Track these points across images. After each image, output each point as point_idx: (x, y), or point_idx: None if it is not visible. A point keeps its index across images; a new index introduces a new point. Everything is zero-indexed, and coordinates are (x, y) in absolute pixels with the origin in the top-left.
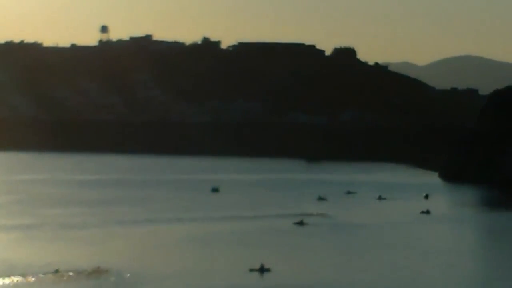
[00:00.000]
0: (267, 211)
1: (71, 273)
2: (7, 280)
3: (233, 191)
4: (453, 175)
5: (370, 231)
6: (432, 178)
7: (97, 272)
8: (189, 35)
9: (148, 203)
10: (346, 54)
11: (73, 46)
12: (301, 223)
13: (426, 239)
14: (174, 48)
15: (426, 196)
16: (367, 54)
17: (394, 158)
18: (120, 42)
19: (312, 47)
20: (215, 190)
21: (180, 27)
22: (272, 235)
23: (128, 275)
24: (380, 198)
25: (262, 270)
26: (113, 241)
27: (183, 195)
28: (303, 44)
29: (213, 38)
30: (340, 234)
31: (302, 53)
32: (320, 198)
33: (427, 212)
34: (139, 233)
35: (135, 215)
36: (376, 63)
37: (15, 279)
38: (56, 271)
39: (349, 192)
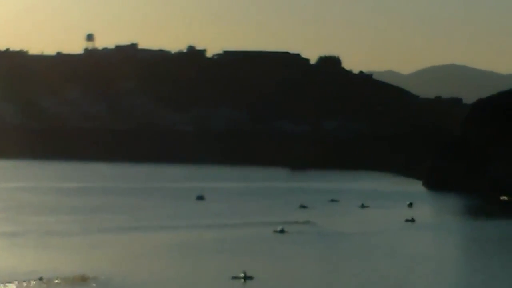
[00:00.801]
0: (250, 219)
1: (55, 281)
2: None
3: (218, 199)
4: (437, 183)
5: (354, 239)
6: (416, 186)
7: (81, 280)
8: (174, 43)
9: (133, 211)
10: (331, 63)
11: (59, 54)
12: (281, 231)
13: (411, 247)
14: (160, 56)
15: (410, 204)
16: (352, 63)
17: (378, 166)
18: (105, 50)
19: (297, 55)
20: (200, 198)
21: (165, 35)
22: (253, 243)
23: (113, 282)
24: (362, 206)
25: (245, 277)
26: (97, 249)
27: (168, 203)
28: (288, 53)
29: (199, 46)
30: (322, 242)
31: (287, 61)
32: (302, 206)
33: (412, 220)
34: (124, 240)
35: (120, 223)
36: (361, 72)
37: None
38: (40, 278)
39: (332, 200)
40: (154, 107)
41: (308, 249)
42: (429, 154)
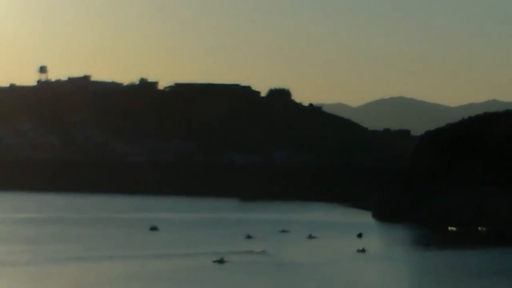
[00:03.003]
0: (198, 249)
1: None
2: None
3: (171, 230)
4: (386, 214)
5: (302, 269)
6: (365, 218)
7: None
8: (126, 75)
9: (85, 241)
10: (281, 95)
11: (12, 86)
12: (221, 261)
13: (365, 277)
14: (112, 88)
15: (360, 235)
16: (302, 95)
17: (328, 197)
18: (58, 82)
19: (248, 88)
20: (153, 228)
21: (117, 67)
22: (193, 273)
23: None
24: (310, 236)
25: None
26: (49, 279)
27: (121, 233)
28: (238, 85)
29: (150, 78)
30: (266, 272)
31: (238, 93)
32: (248, 237)
33: (363, 250)
34: (75, 271)
35: (72, 253)
36: (311, 104)
37: None
38: None
39: (283, 231)
40: (106, 138)
41: (246, 278)
42: (378, 186)
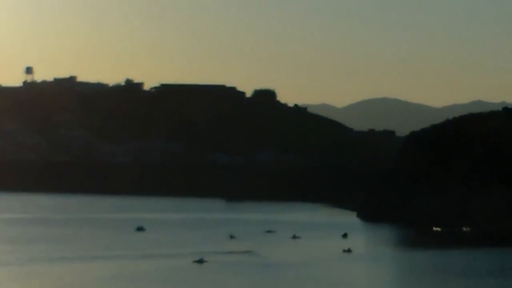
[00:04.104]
0: (182, 250)
1: None
2: None
3: (157, 230)
4: (370, 214)
5: (289, 269)
6: (350, 218)
7: None
8: (112, 76)
9: (71, 241)
10: (266, 96)
11: None
12: (200, 261)
13: (351, 278)
14: (98, 89)
15: (345, 235)
16: (287, 96)
17: (313, 198)
18: (44, 83)
19: (233, 88)
20: (140, 229)
21: (103, 68)
22: (171, 273)
23: None
24: (294, 237)
25: None
26: (33, 279)
27: (107, 233)
28: (224, 86)
29: (136, 79)
30: (247, 272)
31: (223, 94)
32: (232, 237)
33: (349, 250)
34: (60, 271)
35: (57, 253)
36: (296, 105)
37: None
38: None
39: (268, 231)
40: (92, 139)
41: (223, 278)
42: (363, 186)
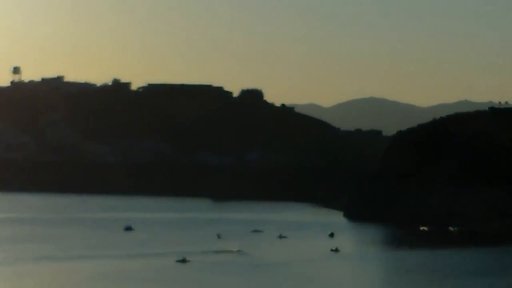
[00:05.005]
0: (169, 249)
1: None
2: None
3: (145, 230)
4: (357, 214)
5: (277, 268)
6: (337, 217)
7: None
8: (100, 76)
9: (59, 241)
10: (253, 96)
11: None
12: (183, 261)
13: (341, 277)
14: (85, 89)
15: (331, 235)
16: (274, 96)
17: (300, 197)
18: (32, 83)
19: (220, 88)
20: (128, 228)
21: (91, 68)
22: (153, 272)
23: None
24: (280, 236)
25: None
26: (23, 278)
27: (96, 233)
28: (211, 86)
29: (123, 79)
30: (229, 272)
31: (210, 94)
32: (219, 236)
33: (336, 250)
34: (47, 270)
35: (45, 253)
36: (283, 105)
37: None
38: None
39: (256, 231)
40: (79, 138)
41: (204, 277)
42: (350, 186)
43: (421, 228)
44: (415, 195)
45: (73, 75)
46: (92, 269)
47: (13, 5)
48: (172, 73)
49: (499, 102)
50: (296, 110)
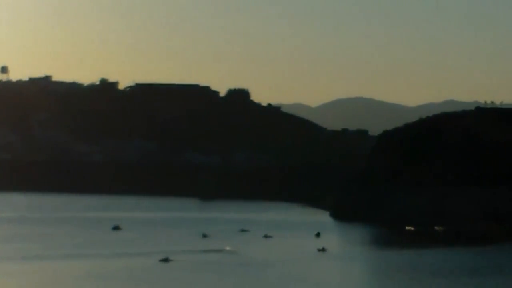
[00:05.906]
0: (154, 248)
1: None
2: None
3: (133, 229)
4: (343, 214)
5: (255, 268)
6: (323, 217)
7: None
8: (87, 76)
9: (47, 240)
10: (240, 95)
11: None
12: (166, 260)
13: (329, 277)
14: (73, 89)
15: (318, 234)
16: (261, 95)
17: (287, 197)
18: (19, 82)
19: (207, 88)
20: (116, 228)
21: (78, 68)
22: (135, 272)
23: None
24: (266, 236)
25: None
26: (8, 278)
27: (84, 232)
28: (198, 85)
29: (111, 79)
30: (212, 271)
31: (197, 94)
32: (204, 236)
33: (323, 250)
34: (34, 269)
35: (32, 252)
36: (269, 104)
37: None
38: None
39: (242, 230)
40: (67, 138)
41: (185, 276)
42: (336, 185)
43: (407, 227)
44: (401, 195)
45: (60, 75)
46: (77, 268)
47: (0, 5)
48: (160, 72)
49: (485, 102)
50: (283, 109)
